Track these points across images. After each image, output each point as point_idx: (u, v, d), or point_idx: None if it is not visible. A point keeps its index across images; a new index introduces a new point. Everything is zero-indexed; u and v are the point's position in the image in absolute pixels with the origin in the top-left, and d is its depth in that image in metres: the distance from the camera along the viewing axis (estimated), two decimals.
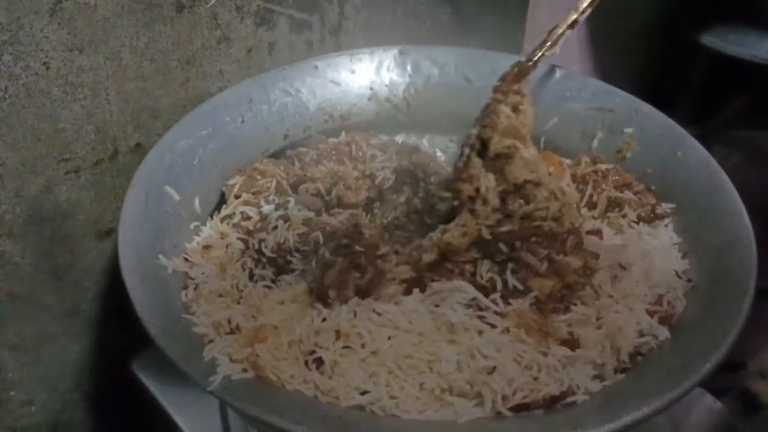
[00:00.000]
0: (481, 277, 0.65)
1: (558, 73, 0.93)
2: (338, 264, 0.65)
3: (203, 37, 0.82)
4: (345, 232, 0.69)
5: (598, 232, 0.70)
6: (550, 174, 0.75)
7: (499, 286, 0.64)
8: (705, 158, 0.80)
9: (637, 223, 0.75)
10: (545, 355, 0.59)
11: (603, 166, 0.80)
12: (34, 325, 0.83)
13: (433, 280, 0.65)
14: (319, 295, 0.65)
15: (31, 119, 0.72)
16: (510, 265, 0.65)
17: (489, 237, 0.65)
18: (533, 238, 0.65)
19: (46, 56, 0.69)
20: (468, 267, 0.65)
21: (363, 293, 0.64)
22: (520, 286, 0.64)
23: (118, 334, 0.88)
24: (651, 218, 0.75)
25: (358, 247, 0.66)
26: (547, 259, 0.64)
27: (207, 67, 0.84)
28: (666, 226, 0.76)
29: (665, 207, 0.77)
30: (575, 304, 0.63)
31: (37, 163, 0.74)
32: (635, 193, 0.77)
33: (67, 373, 0.89)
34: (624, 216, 0.75)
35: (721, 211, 0.74)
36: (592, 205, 0.78)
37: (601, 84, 0.91)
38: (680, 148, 0.81)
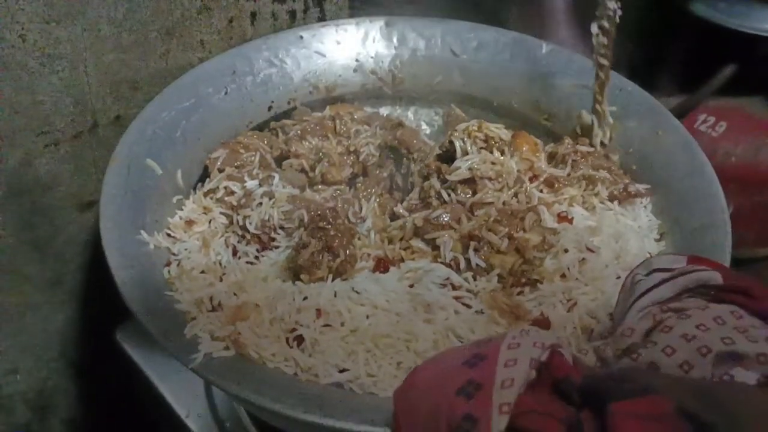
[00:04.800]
0: (445, 257, 0.66)
1: (544, 49, 0.92)
2: (312, 245, 0.66)
3: (183, 7, 0.80)
4: (323, 214, 0.69)
5: (567, 218, 0.71)
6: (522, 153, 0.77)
7: (463, 264, 0.65)
8: (686, 138, 0.80)
9: (612, 201, 0.76)
10: None
11: (584, 148, 0.80)
12: (17, 295, 0.83)
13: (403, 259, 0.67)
14: (295, 274, 0.66)
15: (8, 92, 0.71)
16: (472, 243, 0.66)
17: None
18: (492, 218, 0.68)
19: (22, 28, 0.68)
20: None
21: (335, 275, 0.66)
22: (482, 264, 0.65)
23: (102, 304, 0.89)
24: (624, 197, 0.76)
25: (332, 231, 0.67)
26: (507, 236, 0.66)
27: (187, 38, 0.83)
28: (645, 207, 0.77)
29: (640, 187, 0.78)
30: (540, 282, 0.65)
31: (16, 135, 0.73)
32: (610, 173, 0.78)
33: (51, 342, 0.90)
34: (596, 194, 0.75)
35: (698, 192, 0.74)
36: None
37: (586, 61, 0.91)
38: (662, 127, 0.82)
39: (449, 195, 0.72)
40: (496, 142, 0.77)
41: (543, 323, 0.60)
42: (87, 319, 0.90)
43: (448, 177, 0.73)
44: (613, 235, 0.70)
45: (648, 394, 0.38)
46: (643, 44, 1.53)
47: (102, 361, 0.92)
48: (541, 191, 0.76)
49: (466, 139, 0.77)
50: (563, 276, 0.65)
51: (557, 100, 0.90)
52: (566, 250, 0.66)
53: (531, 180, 0.77)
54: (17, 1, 0.66)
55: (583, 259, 0.66)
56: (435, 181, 0.74)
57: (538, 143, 0.82)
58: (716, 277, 0.51)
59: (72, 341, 0.91)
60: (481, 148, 0.77)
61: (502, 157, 0.75)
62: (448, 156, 0.78)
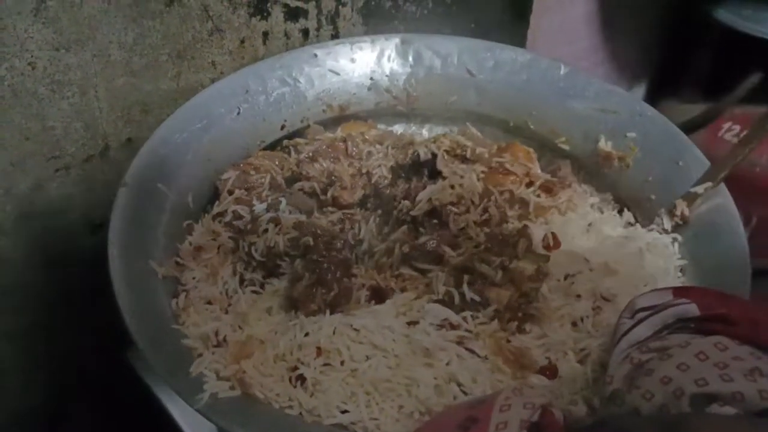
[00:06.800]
0: (438, 293, 0.65)
1: (562, 70, 0.90)
2: (305, 279, 0.65)
3: (194, 29, 0.79)
4: (316, 246, 0.68)
5: (557, 243, 0.69)
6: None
7: (457, 299, 0.64)
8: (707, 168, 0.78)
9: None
10: None
11: None
12: (29, 315, 0.84)
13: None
14: (293, 305, 0.66)
15: (18, 119, 0.70)
16: (466, 276, 0.64)
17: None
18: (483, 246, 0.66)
19: (32, 56, 0.68)
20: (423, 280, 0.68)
21: (330, 308, 0.65)
22: (477, 298, 0.63)
23: (113, 323, 0.89)
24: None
25: (325, 264, 0.66)
26: (500, 267, 0.64)
27: (199, 60, 0.82)
28: (675, 242, 0.74)
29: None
30: (536, 316, 0.63)
31: (26, 161, 0.73)
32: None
33: (63, 361, 0.90)
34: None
35: (719, 229, 0.72)
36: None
37: (605, 84, 0.88)
38: (682, 157, 0.79)
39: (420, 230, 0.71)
40: (459, 146, 0.78)
41: (550, 371, 0.58)
42: (99, 338, 0.90)
43: (412, 213, 0.72)
44: (642, 278, 0.66)
45: None
46: (667, 52, 1.50)
47: (114, 380, 0.92)
48: (539, 196, 0.75)
49: (431, 144, 0.78)
50: (574, 324, 0.63)
51: (574, 122, 0.88)
52: (579, 296, 0.64)
53: (528, 185, 0.76)
54: (26, 29, 0.66)
55: (598, 307, 0.63)
56: (406, 203, 0.73)
57: (530, 152, 0.82)
58: (692, 309, 0.50)
59: (84, 360, 0.92)
60: (446, 150, 0.78)
61: (461, 179, 0.74)
62: (417, 165, 0.79)
